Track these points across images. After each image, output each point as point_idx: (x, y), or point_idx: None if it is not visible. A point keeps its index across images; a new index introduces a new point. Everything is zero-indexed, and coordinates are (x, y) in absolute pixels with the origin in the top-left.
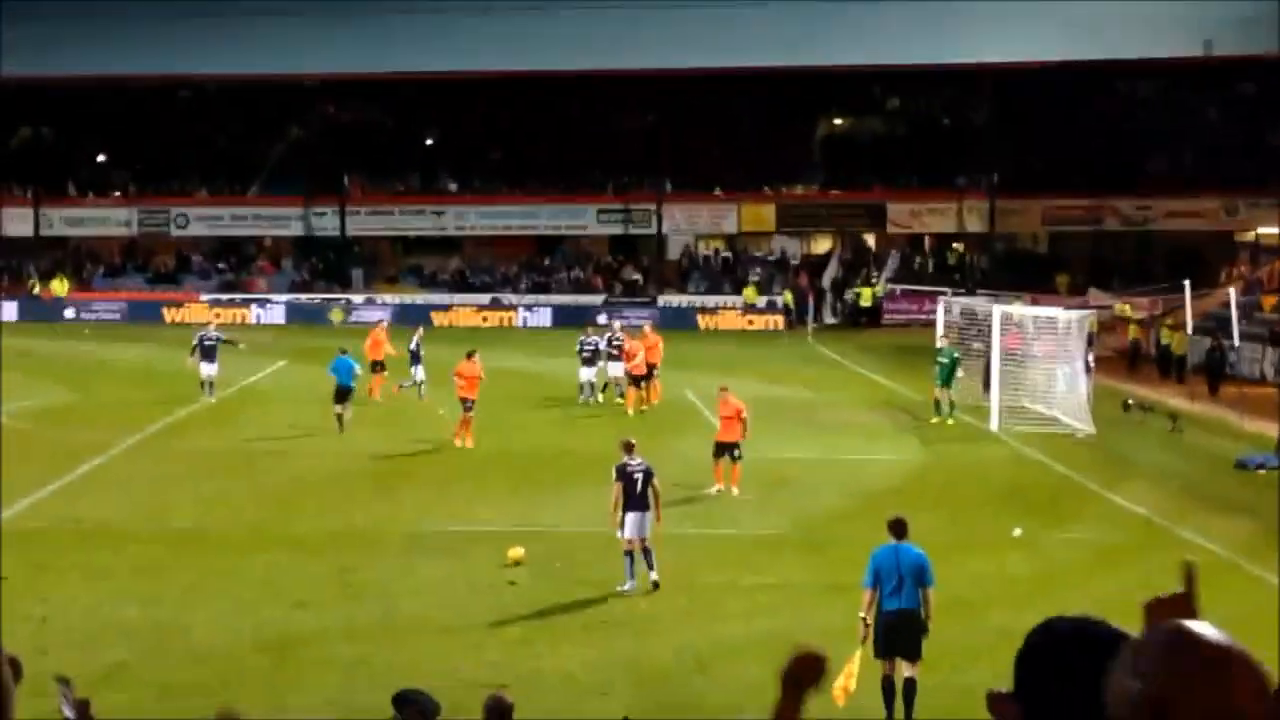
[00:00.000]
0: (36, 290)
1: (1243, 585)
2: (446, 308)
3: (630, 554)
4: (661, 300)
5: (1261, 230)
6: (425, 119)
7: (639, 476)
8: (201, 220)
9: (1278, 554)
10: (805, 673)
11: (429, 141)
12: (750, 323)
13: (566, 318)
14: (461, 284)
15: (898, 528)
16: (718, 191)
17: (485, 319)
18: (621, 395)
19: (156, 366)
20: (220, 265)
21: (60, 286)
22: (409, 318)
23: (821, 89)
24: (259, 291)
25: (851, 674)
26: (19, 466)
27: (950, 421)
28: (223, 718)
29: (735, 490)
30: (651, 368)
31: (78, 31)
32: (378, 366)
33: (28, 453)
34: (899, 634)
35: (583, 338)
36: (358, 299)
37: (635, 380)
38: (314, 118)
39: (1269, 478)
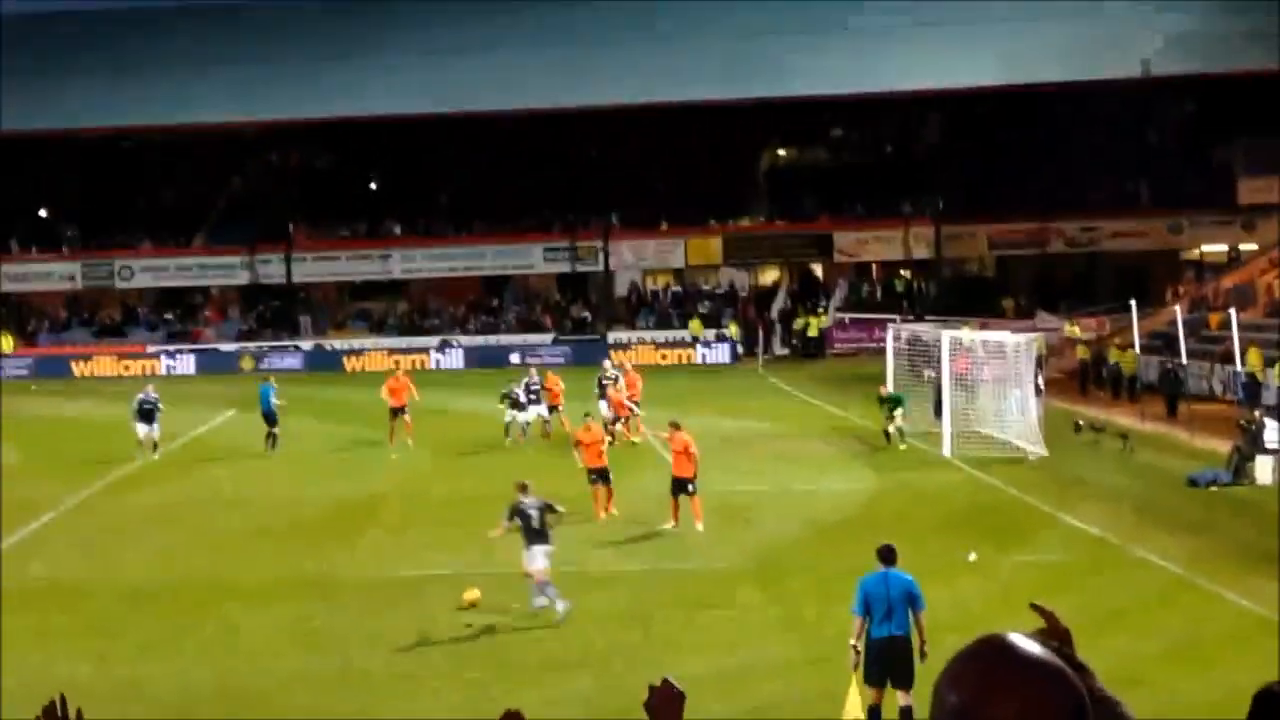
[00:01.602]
0: None
1: (1196, 602)
2: (360, 352)
3: (543, 584)
4: (611, 337)
5: (1205, 248)
6: (368, 163)
7: (533, 514)
8: (147, 271)
9: (1229, 569)
10: (665, 707)
11: (373, 185)
12: (664, 357)
13: (481, 360)
14: (410, 327)
15: (887, 554)
16: (664, 226)
17: (397, 362)
18: (546, 435)
19: (102, 421)
20: (167, 316)
21: (6, 343)
22: (320, 364)
23: (765, 120)
24: (206, 341)
25: (855, 704)
26: None
27: (903, 448)
28: None
29: (699, 525)
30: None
31: (16, 85)
32: (398, 413)
33: None
34: (891, 661)
35: (507, 389)
36: (264, 345)
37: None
38: (257, 166)
39: (1221, 494)
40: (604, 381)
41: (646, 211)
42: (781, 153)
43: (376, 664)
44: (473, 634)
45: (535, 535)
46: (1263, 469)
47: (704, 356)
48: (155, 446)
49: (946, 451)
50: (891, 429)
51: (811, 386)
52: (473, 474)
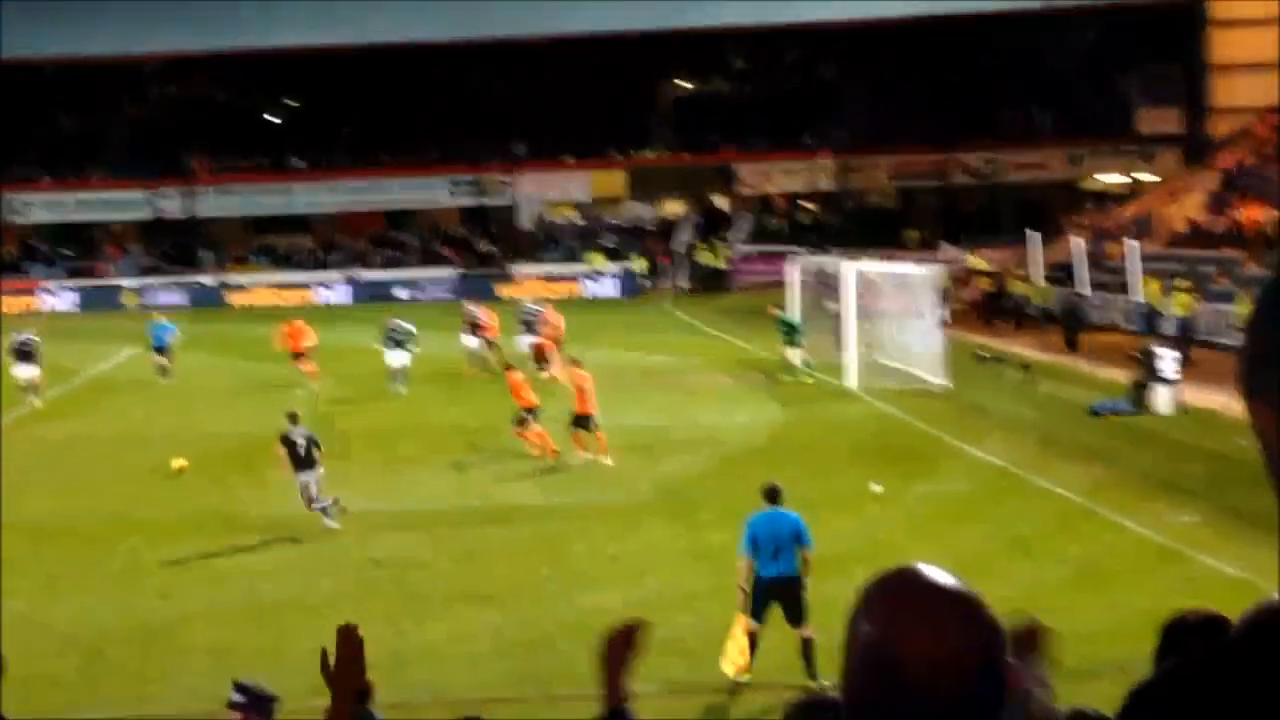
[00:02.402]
0: None
1: (1097, 530)
2: (242, 288)
3: (312, 500)
4: (514, 270)
5: (1105, 178)
6: (271, 95)
7: (300, 442)
8: (44, 207)
9: (1130, 498)
10: (621, 646)
11: (276, 119)
12: (552, 291)
13: (367, 295)
14: (315, 262)
15: (772, 494)
16: (569, 159)
17: (284, 298)
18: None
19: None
20: (66, 252)
21: None
22: (204, 300)
23: (668, 51)
24: (107, 277)
25: (743, 648)
26: None
27: (810, 380)
28: None
29: (607, 460)
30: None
31: None
32: (298, 357)
33: None
34: (781, 600)
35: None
36: (147, 281)
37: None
38: (156, 97)
39: (1121, 424)
40: (527, 319)
41: (551, 144)
42: (685, 84)
43: (283, 598)
44: (379, 569)
45: (302, 462)
46: (1162, 399)
47: (592, 290)
48: (37, 390)
49: (851, 383)
50: (793, 358)
51: (717, 320)
52: (379, 409)
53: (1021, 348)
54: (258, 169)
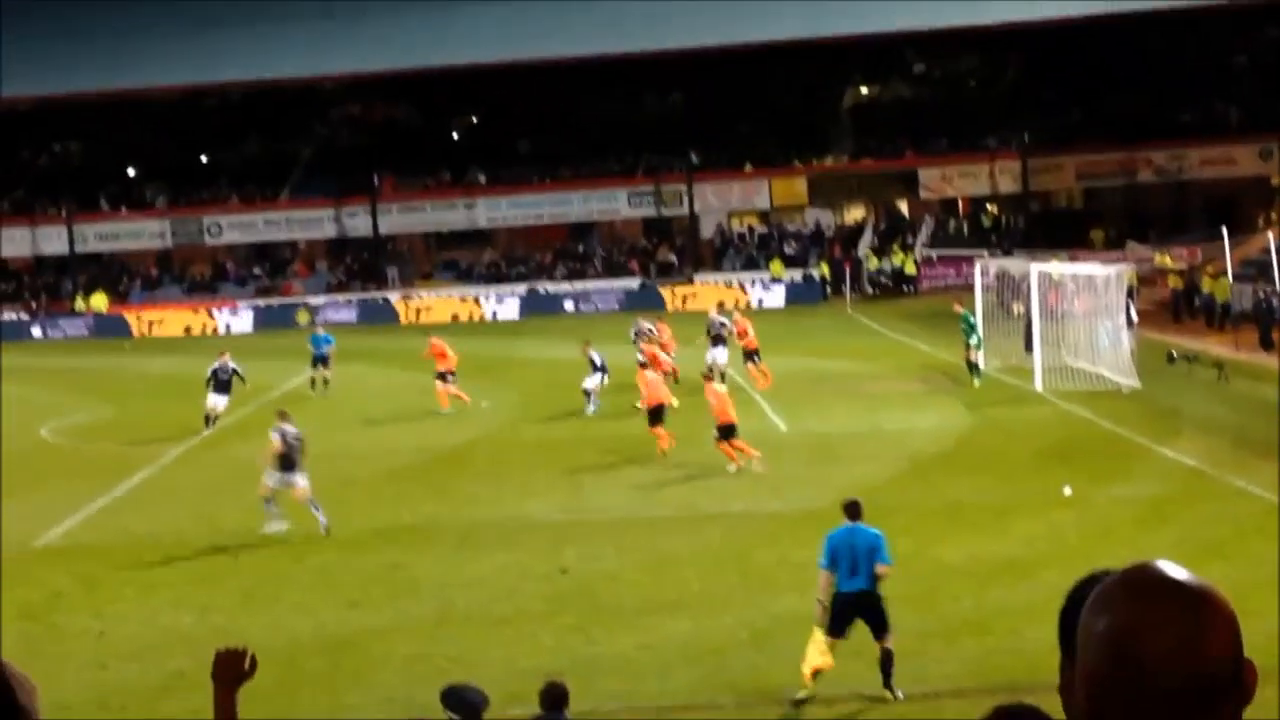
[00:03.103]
0: (79, 306)
1: None
2: (409, 301)
3: (269, 500)
4: (698, 279)
5: None
6: (452, 112)
7: (293, 442)
8: (234, 227)
9: None
10: (228, 670)
11: (456, 135)
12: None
13: (535, 308)
14: (496, 275)
15: (852, 509)
16: (748, 167)
17: (455, 315)
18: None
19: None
20: (256, 271)
21: (100, 301)
22: (376, 316)
23: (847, 57)
24: (295, 295)
25: (821, 653)
26: (67, 483)
27: (976, 384)
28: None
29: (756, 455)
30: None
31: (98, 46)
32: (446, 377)
33: (75, 469)
34: (861, 614)
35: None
36: (319, 300)
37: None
38: (340, 118)
39: None
40: (716, 330)
41: (730, 153)
42: (864, 90)
43: (472, 610)
44: (567, 579)
45: (287, 463)
46: None
47: (772, 299)
48: (214, 420)
49: (1039, 386)
50: (976, 359)
51: (900, 324)
52: (562, 419)
53: (1213, 346)
54: (440, 185)
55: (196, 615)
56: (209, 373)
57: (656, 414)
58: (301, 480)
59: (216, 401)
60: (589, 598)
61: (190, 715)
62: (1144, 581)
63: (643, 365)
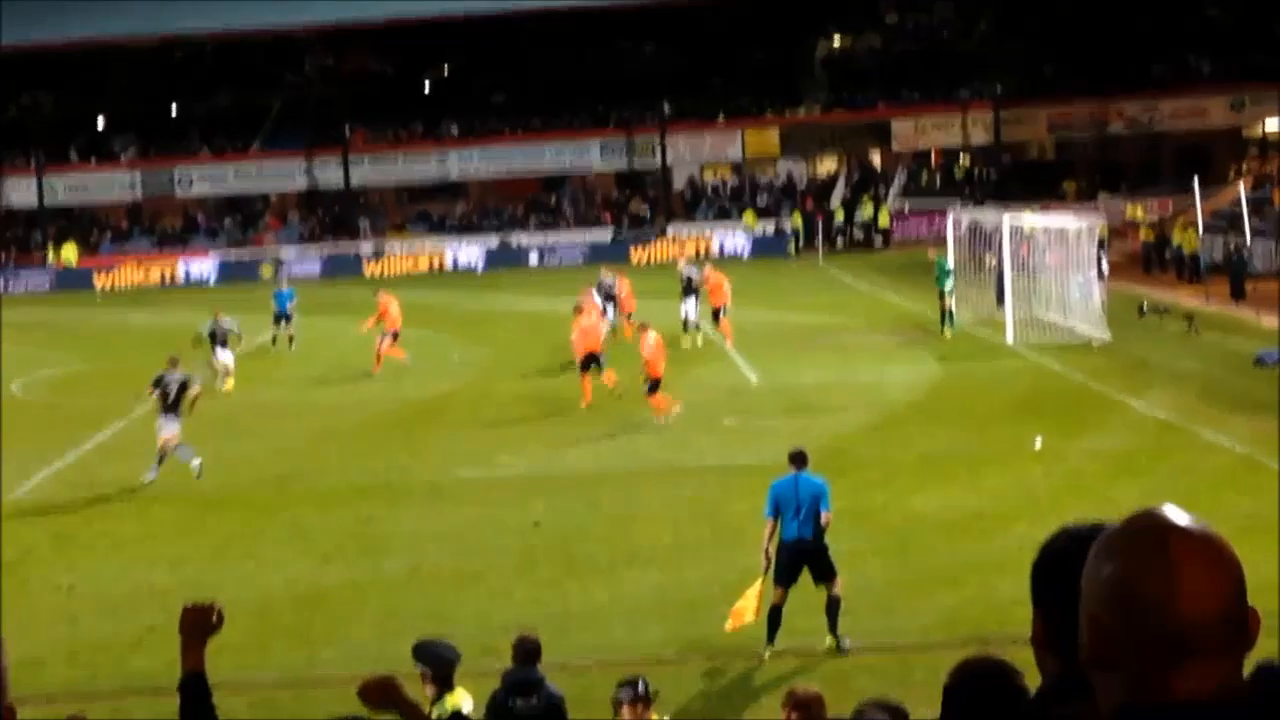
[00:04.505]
0: (50, 259)
1: (1263, 482)
2: (380, 257)
3: (179, 447)
4: (670, 231)
5: (1269, 124)
6: (424, 64)
7: (173, 387)
8: (205, 179)
9: None
10: (196, 624)
11: (428, 87)
12: (680, 250)
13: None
14: (469, 227)
15: (798, 459)
16: (721, 119)
17: (415, 264)
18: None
19: (164, 330)
20: (227, 222)
21: (71, 253)
22: (340, 269)
23: (820, 8)
24: (268, 246)
25: (752, 607)
26: (37, 437)
27: (948, 334)
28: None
29: (677, 409)
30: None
31: None
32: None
33: (44, 423)
34: (807, 561)
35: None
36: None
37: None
38: (312, 69)
39: None
40: (687, 281)
41: (702, 104)
42: (837, 41)
43: (445, 564)
44: (539, 533)
45: (170, 407)
46: None
47: (741, 249)
48: (227, 375)
49: (1010, 339)
50: (950, 304)
51: (873, 277)
52: (535, 374)
53: (1183, 298)
54: (412, 137)
55: (168, 570)
56: (205, 332)
57: (587, 363)
58: (171, 425)
59: (226, 358)
60: (561, 552)
61: (162, 669)
62: (1149, 528)
63: (578, 311)
